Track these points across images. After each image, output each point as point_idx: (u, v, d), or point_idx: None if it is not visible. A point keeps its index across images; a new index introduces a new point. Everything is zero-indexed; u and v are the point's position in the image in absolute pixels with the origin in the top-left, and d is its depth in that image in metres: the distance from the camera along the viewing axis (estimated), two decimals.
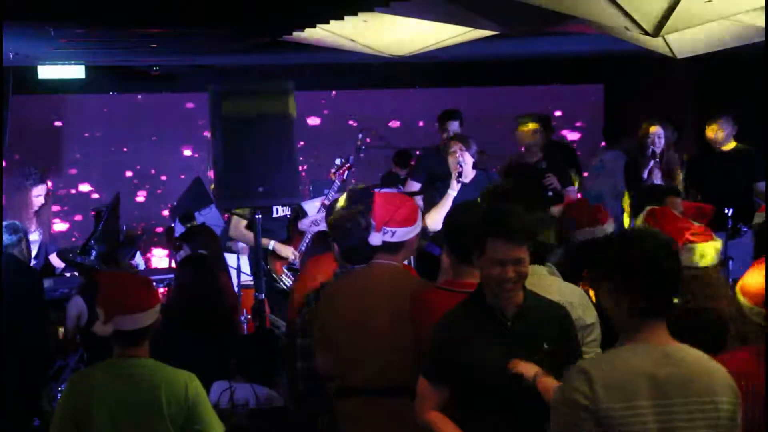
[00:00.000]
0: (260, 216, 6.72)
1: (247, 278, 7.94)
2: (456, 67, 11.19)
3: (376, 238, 4.50)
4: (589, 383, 2.83)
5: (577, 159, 10.16)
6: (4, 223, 6.44)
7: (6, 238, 6.34)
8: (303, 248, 7.48)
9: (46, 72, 9.92)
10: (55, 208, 10.90)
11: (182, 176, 11.24)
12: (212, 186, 7.46)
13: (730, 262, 6.67)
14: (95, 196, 11.64)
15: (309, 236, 7.46)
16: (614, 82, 12.19)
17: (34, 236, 7.94)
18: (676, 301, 4.20)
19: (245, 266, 8.03)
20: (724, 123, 8.44)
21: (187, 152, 11.91)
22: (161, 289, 7.78)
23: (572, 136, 12.43)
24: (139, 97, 11.85)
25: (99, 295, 4.02)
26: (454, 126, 8.18)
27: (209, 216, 9.29)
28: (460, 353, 3.70)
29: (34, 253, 7.77)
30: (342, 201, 6.53)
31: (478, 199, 5.00)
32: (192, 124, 11.62)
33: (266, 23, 7.04)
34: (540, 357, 3.65)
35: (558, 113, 12.12)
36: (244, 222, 7.65)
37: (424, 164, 7.90)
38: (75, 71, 10.03)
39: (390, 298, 4.39)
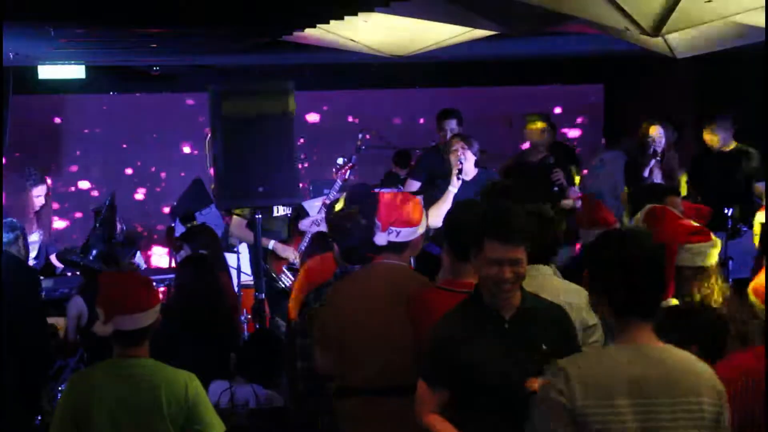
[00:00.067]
0: (260, 216, 6.72)
1: (247, 278, 7.94)
2: (456, 67, 11.17)
3: (381, 238, 4.50)
4: (566, 380, 2.82)
5: (577, 158, 10.17)
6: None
7: (3, 236, 6.33)
8: (303, 248, 7.48)
9: (46, 72, 9.91)
10: (55, 205, 10.89)
11: (182, 174, 11.22)
12: (212, 186, 7.45)
13: (730, 262, 6.67)
14: (95, 193, 11.62)
15: (309, 236, 7.46)
16: (614, 82, 12.16)
17: (34, 237, 7.95)
18: (675, 301, 4.23)
19: (245, 266, 8.03)
20: (718, 128, 8.40)
21: (187, 149, 11.89)
22: (161, 289, 7.78)
23: (573, 133, 12.41)
24: (138, 96, 11.84)
25: (99, 295, 4.01)
26: (452, 125, 8.17)
27: (209, 216, 9.29)
28: (459, 354, 3.70)
29: (34, 253, 7.77)
30: (341, 203, 6.52)
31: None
32: (192, 122, 11.60)
33: (266, 23, 7.04)
34: (539, 358, 3.63)
35: (558, 110, 12.11)
36: (245, 221, 7.66)
37: (424, 164, 7.90)
38: (75, 71, 10.02)
39: (390, 298, 4.39)
